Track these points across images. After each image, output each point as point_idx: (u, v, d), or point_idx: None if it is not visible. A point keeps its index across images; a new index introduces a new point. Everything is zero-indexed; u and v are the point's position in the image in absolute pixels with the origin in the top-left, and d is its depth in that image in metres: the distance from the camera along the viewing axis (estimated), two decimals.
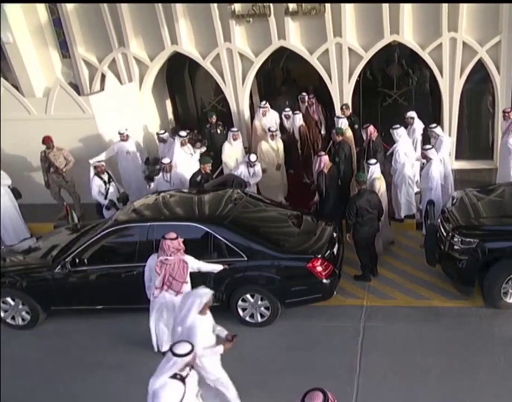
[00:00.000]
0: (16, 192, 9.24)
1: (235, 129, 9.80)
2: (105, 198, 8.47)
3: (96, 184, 8.45)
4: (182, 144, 9.31)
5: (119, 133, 9.74)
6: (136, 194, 9.13)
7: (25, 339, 6.73)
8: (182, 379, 3.85)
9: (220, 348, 4.71)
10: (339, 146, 8.58)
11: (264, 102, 10.80)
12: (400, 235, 7.61)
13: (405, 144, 8.51)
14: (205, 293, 4.60)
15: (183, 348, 3.85)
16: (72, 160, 9.73)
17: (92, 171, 8.55)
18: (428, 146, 7.85)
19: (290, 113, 10.54)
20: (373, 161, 7.61)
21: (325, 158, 7.86)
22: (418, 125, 9.37)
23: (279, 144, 9.65)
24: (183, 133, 9.48)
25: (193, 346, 3.90)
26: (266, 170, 9.30)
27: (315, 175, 8.05)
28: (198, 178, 8.20)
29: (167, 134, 10.40)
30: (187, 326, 4.53)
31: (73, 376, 5.93)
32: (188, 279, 5.69)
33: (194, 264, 5.79)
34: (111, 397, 5.60)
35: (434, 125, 8.74)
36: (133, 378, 5.79)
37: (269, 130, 9.49)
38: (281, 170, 9.75)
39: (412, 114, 9.39)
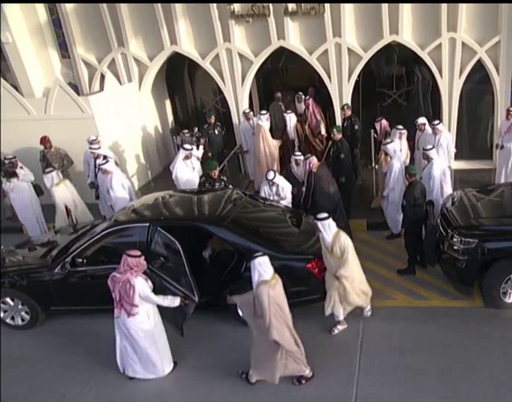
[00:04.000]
0: (38, 189, 9.27)
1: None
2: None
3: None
4: (187, 157, 8.69)
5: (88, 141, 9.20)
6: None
7: (25, 339, 6.72)
8: None
9: None
10: (341, 144, 8.64)
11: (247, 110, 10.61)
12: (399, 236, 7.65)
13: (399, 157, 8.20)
14: None
15: None
16: (70, 160, 9.71)
17: None
18: (428, 146, 7.83)
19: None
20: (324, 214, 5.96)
21: (313, 159, 7.88)
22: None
23: None
24: (187, 146, 8.78)
25: None
26: None
27: (305, 176, 7.97)
28: (202, 179, 8.21)
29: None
30: None
31: (72, 376, 5.93)
32: (136, 302, 5.23)
33: (143, 291, 5.26)
34: (110, 397, 5.60)
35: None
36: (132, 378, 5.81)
37: None
38: None
39: (423, 120, 8.98)
